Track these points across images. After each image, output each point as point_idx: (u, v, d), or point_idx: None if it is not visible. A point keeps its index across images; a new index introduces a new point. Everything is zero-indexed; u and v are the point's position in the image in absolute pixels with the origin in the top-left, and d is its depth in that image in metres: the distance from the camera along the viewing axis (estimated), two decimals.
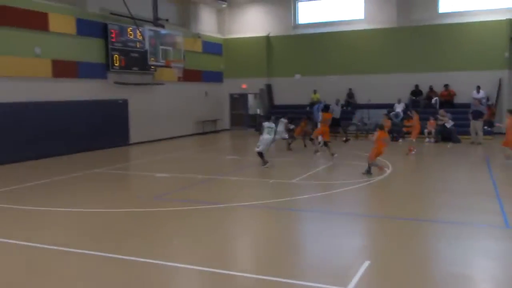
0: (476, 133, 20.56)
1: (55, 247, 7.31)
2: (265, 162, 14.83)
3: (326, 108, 18.31)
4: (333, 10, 27.55)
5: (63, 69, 18.58)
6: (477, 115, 20.65)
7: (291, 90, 27.82)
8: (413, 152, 17.57)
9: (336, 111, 23.46)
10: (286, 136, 18.81)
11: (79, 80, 19.32)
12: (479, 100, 22.12)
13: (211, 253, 7.16)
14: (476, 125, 20.58)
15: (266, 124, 15.36)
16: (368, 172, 13.23)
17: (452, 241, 7.65)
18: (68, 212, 9.70)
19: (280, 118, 18.73)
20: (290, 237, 8.10)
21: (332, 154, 16.27)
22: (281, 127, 18.17)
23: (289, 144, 19.04)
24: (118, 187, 12.75)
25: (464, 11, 24.76)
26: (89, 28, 19.80)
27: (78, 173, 14.24)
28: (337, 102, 24.42)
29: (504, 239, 7.76)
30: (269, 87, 28.60)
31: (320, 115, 18.26)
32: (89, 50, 19.89)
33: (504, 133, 15.59)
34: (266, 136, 14.97)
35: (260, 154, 14.93)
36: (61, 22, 18.53)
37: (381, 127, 13.68)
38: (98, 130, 19.89)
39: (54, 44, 18.30)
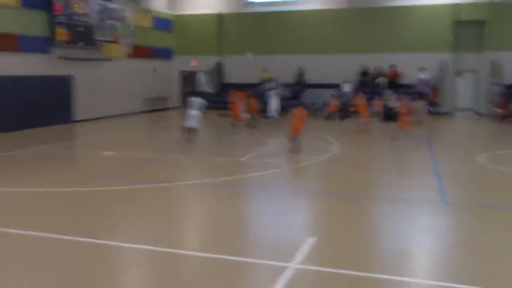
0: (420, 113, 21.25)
1: None
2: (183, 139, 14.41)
3: None
4: None
5: (3, 43, 17.73)
6: (420, 95, 21.34)
7: (242, 68, 27.75)
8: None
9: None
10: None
11: (20, 54, 18.53)
12: (422, 81, 22.77)
13: (158, 232, 7.16)
14: (419, 106, 21.26)
15: (196, 99, 14.84)
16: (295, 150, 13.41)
17: (394, 217, 7.99)
18: (6, 192, 9.39)
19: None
20: (236, 215, 8.20)
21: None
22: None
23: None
24: (62, 166, 12.42)
25: None
26: (33, 0, 18.95)
27: (18, 151, 13.77)
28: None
29: (441, 214, 8.17)
30: (219, 65, 28.41)
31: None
32: (32, 23, 19.06)
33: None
34: (195, 112, 14.49)
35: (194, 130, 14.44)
36: None
37: (295, 106, 13.80)
38: (41, 107, 19.20)
39: None
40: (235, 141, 15.99)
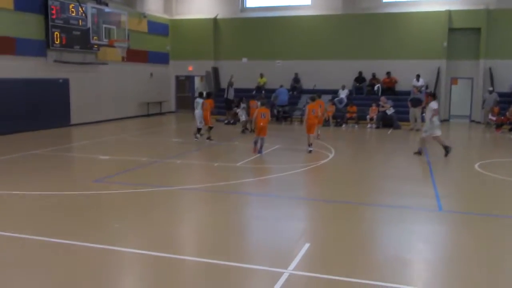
0: (416, 120, 21.32)
1: None
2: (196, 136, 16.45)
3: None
4: None
5: None
6: (416, 102, 21.40)
7: (238, 74, 27.75)
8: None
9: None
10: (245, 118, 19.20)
11: (16, 57, 18.47)
12: (418, 88, 22.88)
13: (154, 237, 7.11)
14: (415, 112, 21.34)
15: (199, 100, 16.69)
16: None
17: (390, 224, 7.97)
18: (2, 195, 9.33)
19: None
20: (233, 221, 8.15)
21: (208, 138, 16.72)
22: (241, 109, 18.69)
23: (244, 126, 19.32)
24: (58, 170, 12.34)
25: (406, 1, 25.47)
26: (28, 3, 18.93)
27: (14, 155, 13.69)
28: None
29: (437, 222, 8.16)
30: (215, 70, 28.42)
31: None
32: (28, 27, 19.02)
33: None
34: (197, 111, 16.49)
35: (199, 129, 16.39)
36: None
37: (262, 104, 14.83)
38: (37, 110, 19.14)
39: None
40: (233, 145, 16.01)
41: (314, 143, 15.06)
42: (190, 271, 6.07)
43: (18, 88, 18.36)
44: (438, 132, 13.93)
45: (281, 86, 25.02)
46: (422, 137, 14.22)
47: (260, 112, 14.15)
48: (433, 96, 14.64)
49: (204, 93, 17.98)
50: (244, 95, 22.66)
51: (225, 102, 23.98)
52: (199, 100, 16.66)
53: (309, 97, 15.81)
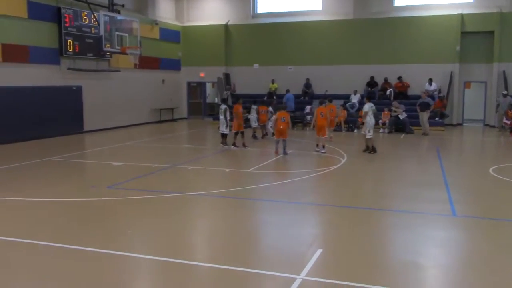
0: (424, 124, 21.18)
1: (5, 238, 7.10)
2: (229, 144, 16.21)
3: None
4: (291, 1, 27.66)
5: (13, 54, 17.92)
6: (424, 106, 21.27)
7: (250, 79, 27.84)
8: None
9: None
10: (256, 124, 19.04)
11: (30, 65, 18.69)
12: (426, 92, 22.67)
13: (167, 243, 7.13)
14: (423, 116, 21.22)
15: (222, 106, 16.57)
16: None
17: (403, 229, 7.90)
18: (19, 201, 9.42)
19: (251, 105, 19.04)
20: (245, 227, 8.14)
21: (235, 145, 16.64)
22: (253, 114, 18.51)
23: (254, 132, 19.27)
24: (72, 176, 12.45)
25: (418, 5, 25.35)
26: (41, 11, 19.15)
27: (29, 161, 13.83)
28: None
29: (451, 227, 8.07)
30: (227, 76, 28.51)
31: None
32: (41, 35, 19.25)
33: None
34: (221, 118, 16.32)
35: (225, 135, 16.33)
36: (11, 5, 17.84)
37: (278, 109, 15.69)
38: (51, 117, 19.33)
39: (4, 28, 17.62)
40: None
41: (326, 147, 15.10)
42: (203, 277, 6.07)
43: (32, 95, 18.56)
44: (367, 134, 15.00)
45: (288, 91, 24.98)
46: (370, 138, 15.13)
47: (280, 116, 14.87)
48: (368, 98, 15.87)
49: (229, 99, 18.16)
50: (255, 101, 22.66)
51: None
52: (223, 107, 16.48)
53: (319, 101, 16.75)
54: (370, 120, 14.94)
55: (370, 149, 15.19)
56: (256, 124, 19.18)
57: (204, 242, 7.57)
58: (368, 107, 15.08)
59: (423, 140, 19.64)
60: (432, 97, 24.06)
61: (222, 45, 28.48)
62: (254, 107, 18.90)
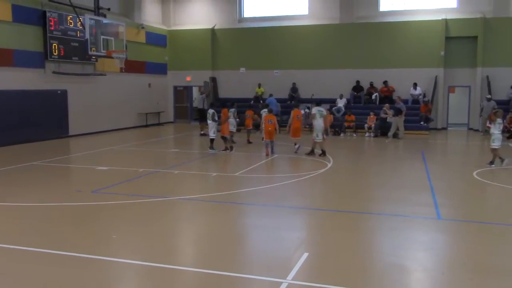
0: (398, 128, 21.32)
1: None
2: (226, 148, 16.34)
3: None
4: (278, 5, 27.77)
5: None
6: (397, 111, 21.45)
7: (236, 83, 27.85)
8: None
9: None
10: (234, 129, 18.78)
11: (14, 69, 18.51)
12: (399, 98, 22.69)
13: (153, 247, 7.08)
14: (397, 121, 21.39)
15: (209, 110, 16.89)
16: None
17: (389, 233, 7.95)
18: (1, 206, 9.30)
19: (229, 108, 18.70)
20: (231, 231, 8.13)
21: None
22: (231, 118, 18.24)
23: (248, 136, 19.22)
24: (57, 180, 12.34)
25: (403, 10, 25.60)
26: (26, 15, 18.99)
27: (14, 165, 13.68)
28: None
29: (436, 230, 8.14)
30: (213, 80, 28.50)
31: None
32: (26, 38, 19.08)
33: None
34: (209, 122, 16.69)
35: (224, 138, 16.63)
36: None
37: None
38: (36, 121, 19.15)
39: None
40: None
41: (302, 152, 15.40)
42: (189, 282, 6.04)
43: (16, 99, 18.37)
44: (316, 137, 15.42)
45: (271, 95, 25.15)
46: (319, 141, 15.51)
47: (267, 118, 16.00)
48: (317, 103, 16.69)
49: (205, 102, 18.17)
50: (241, 105, 22.66)
51: (200, 113, 22.90)
52: (210, 111, 16.77)
53: (294, 105, 18.37)
54: (318, 124, 15.35)
55: (321, 152, 15.48)
56: (235, 129, 18.92)
57: (190, 246, 7.54)
58: (316, 111, 15.63)
59: (408, 144, 19.78)
60: (417, 101, 24.34)
61: (209, 49, 28.47)
62: (231, 110, 18.59)
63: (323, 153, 15.41)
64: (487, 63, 24.07)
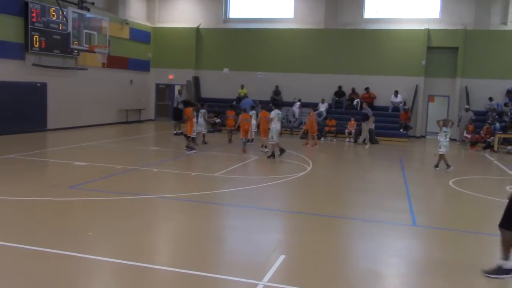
0: (365, 134, 21.70)
1: None
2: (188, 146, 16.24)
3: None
4: (264, 8, 27.82)
5: None
6: (363, 117, 21.80)
7: (219, 84, 27.81)
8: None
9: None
10: (205, 130, 18.72)
11: None
12: (366, 106, 22.89)
13: (128, 245, 7.03)
14: (364, 126, 21.71)
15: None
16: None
17: (365, 238, 8.02)
18: None
19: (200, 109, 18.55)
20: (208, 231, 8.11)
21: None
22: (200, 119, 18.06)
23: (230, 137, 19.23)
24: (33, 175, 12.14)
25: (387, 18, 25.87)
26: (8, 5, 18.68)
27: None
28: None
29: (411, 236, 8.25)
30: (196, 79, 28.40)
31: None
32: (7, 29, 18.74)
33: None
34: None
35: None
36: None
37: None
38: (13, 114, 18.82)
39: None
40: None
41: (293, 155, 15.25)
42: (164, 281, 6.00)
43: None
44: (270, 139, 15.77)
45: (246, 97, 25.22)
46: (273, 143, 15.80)
47: (244, 117, 17.17)
48: (275, 105, 17.61)
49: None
50: (224, 105, 22.64)
51: (175, 112, 22.57)
52: (202, 111, 17.68)
53: (261, 107, 19.58)
54: (274, 126, 15.69)
55: (273, 154, 15.73)
56: (206, 130, 18.87)
57: (165, 245, 7.50)
58: (274, 113, 15.96)
59: (387, 150, 19.98)
60: (397, 109, 24.62)
61: (193, 48, 28.37)
62: (202, 111, 18.47)
63: (272, 155, 15.64)
64: (466, 74, 24.48)
